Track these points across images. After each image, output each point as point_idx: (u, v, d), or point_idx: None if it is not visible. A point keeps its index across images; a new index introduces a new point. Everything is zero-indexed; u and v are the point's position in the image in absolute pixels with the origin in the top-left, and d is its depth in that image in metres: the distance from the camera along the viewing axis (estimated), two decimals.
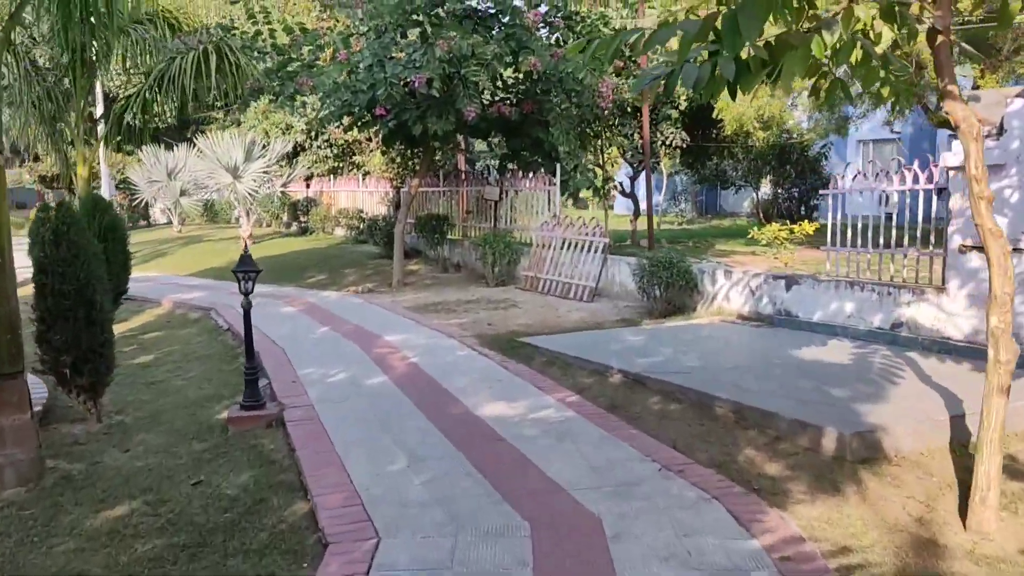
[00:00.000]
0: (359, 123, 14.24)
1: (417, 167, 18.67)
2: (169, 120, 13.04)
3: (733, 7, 3.09)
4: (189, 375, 8.83)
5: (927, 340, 7.98)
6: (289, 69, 12.93)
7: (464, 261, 16.28)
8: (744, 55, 3.41)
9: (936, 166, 8.35)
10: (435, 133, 12.99)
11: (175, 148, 25.27)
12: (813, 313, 9.19)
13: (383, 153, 15.67)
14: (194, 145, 22.72)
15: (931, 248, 8.40)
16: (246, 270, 6.87)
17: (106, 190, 22.21)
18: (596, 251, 12.50)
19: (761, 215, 23.13)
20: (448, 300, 12.88)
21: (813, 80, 4.01)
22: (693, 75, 3.51)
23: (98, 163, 22.89)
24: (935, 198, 8.33)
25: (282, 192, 22.62)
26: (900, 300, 8.35)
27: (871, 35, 3.67)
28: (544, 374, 7.75)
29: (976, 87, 14.17)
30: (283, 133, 25.91)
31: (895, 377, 6.84)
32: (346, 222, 20.71)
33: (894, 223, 8.94)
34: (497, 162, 17.71)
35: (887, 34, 3.70)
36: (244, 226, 21.70)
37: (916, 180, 8.52)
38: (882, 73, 3.86)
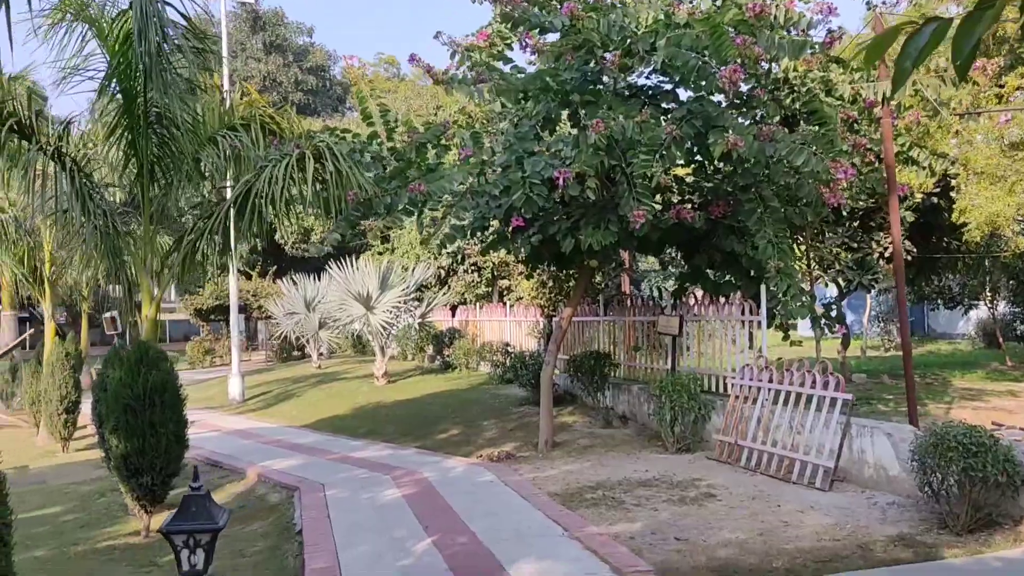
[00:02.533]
0: (493, 239, 11.15)
1: (571, 292, 15.35)
2: (253, 245, 10.49)
3: None
4: None
5: None
6: (408, 175, 10.11)
7: (632, 412, 12.54)
8: None
9: None
10: (590, 248, 9.63)
11: (320, 277, 23.48)
12: None
13: (528, 277, 12.45)
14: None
15: None
16: (192, 529, 3.53)
17: (235, 324, 20.36)
18: (832, 410, 8.45)
19: (999, 338, 18.18)
20: (612, 480, 9.13)
21: None
22: None
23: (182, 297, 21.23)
24: None
25: (421, 323, 19.93)
26: None
27: None
28: None
29: None
30: (434, 258, 23.65)
31: None
32: (490, 357, 17.56)
33: None
34: (673, 284, 14.10)
35: None
36: (378, 363, 19.02)
37: None
38: None
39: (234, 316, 20.28)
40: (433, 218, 10.95)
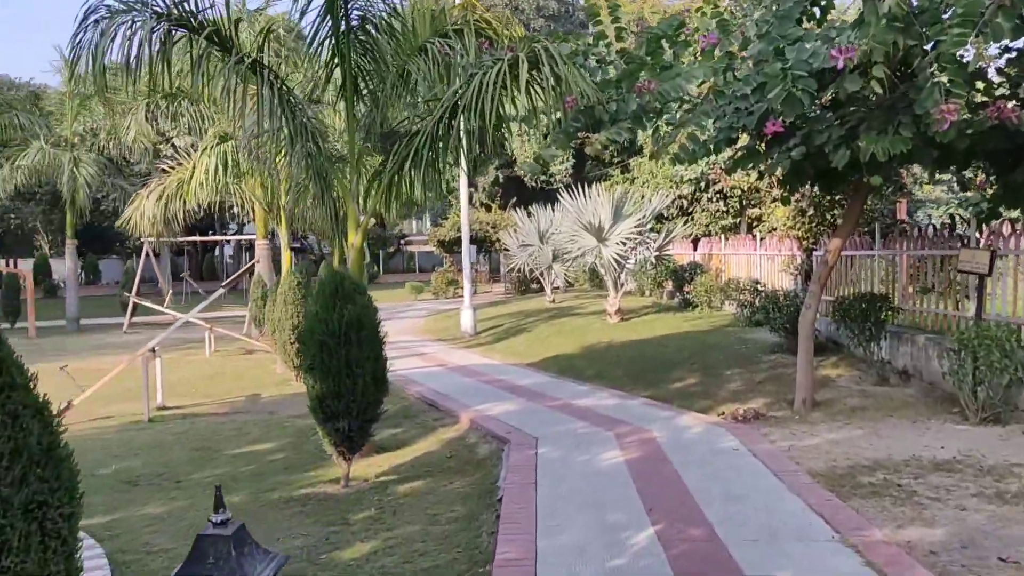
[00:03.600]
0: (741, 156, 9.18)
1: (837, 221, 12.92)
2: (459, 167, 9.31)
3: None
4: None
5: None
6: (639, 78, 8.40)
7: (915, 368, 10.15)
8: None
9: None
10: (872, 160, 7.41)
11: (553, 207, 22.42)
12: None
13: (784, 203, 10.32)
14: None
15: None
16: None
17: (466, 255, 19.82)
18: None
19: None
20: (895, 458, 7.11)
21: None
22: None
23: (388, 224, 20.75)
24: None
25: (658, 257, 18.20)
26: None
27: None
28: None
29: None
30: (675, 186, 21.71)
31: None
32: (736, 296, 15.51)
33: None
34: (970, 210, 11.29)
35: None
36: (611, 299, 17.63)
37: None
38: None
39: (465, 247, 19.75)
40: (668, 132, 9.16)
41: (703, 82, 7.64)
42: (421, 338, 19.45)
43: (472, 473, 7.74)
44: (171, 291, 26.92)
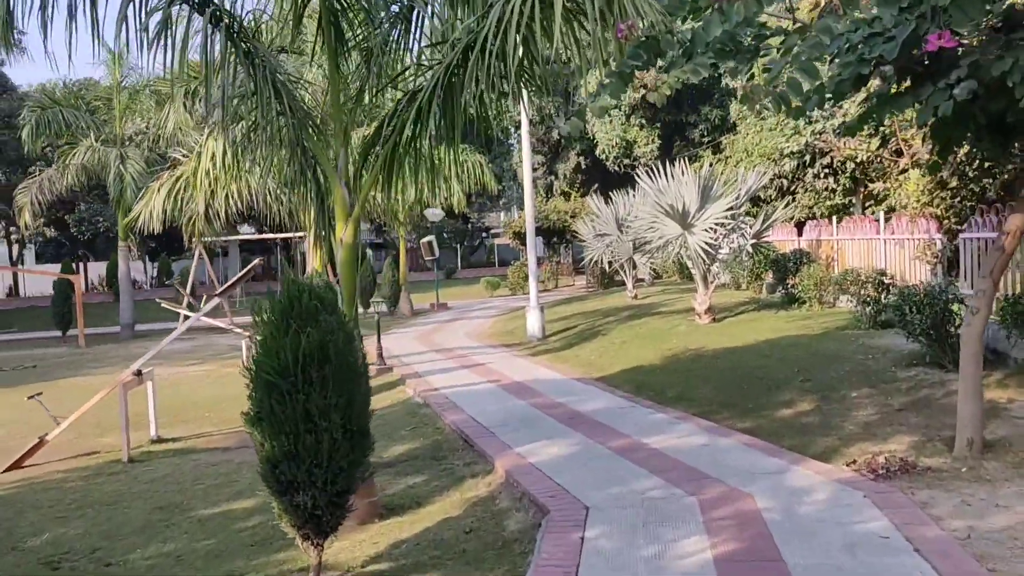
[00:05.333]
0: (874, 104, 6.50)
1: (1001, 192, 10.00)
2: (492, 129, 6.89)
3: None
4: None
5: None
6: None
7: None
8: None
9: None
10: None
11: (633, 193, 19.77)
12: None
13: (934, 169, 7.55)
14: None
15: None
16: None
17: (532, 249, 17.42)
18: None
19: None
20: None
21: None
22: None
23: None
24: None
25: (756, 245, 15.39)
26: None
27: None
28: None
29: None
30: (773, 163, 18.80)
31: None
32: (856, 290, 12.61)
33: None
34: None
35: None
36: (699, 296, 14.95)
37: None
38: None
39: (531, 240, 17.38)
40: (765, 68, 6.45)
41: None
42: (483, 343, 17.22)
43: (493, 564, 5.40)
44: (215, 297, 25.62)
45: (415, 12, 6.77)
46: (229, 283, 11.43)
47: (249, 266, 11.91)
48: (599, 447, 7.71)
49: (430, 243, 27.20)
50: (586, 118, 6.30)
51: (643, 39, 5.75)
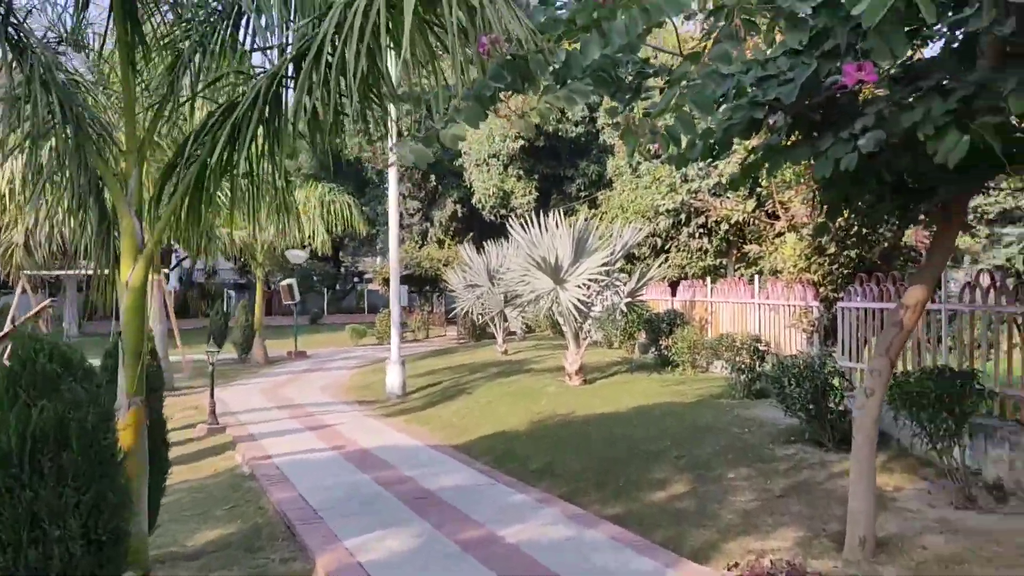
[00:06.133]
0: (768, 151, 5.78)
1: (878, 261, 9.59)
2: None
3: None
4: None
5: None
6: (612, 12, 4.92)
7: (1018, 482, 6.75)
8: None
9: None
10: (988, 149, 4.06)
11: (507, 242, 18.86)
12: None
13: (821, 231, 6.91)
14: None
15: None
16: None
17: (395, 298, 16.16)
18: None
19: None
20: None
21: None
22: None
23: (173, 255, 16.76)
24: None
25: (628, 305, 14.73)
26: None
27: None
28: None
29: None
30: (648, 221, 18.38)
31: None
32: (731, 356, 12.04)
33: None
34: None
35: None
36: (570, 355, 14.07)
37: None
38: None
39: (394, 288, 16.12)
40: (647, 112, 5.57)
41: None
42: (337, 399, 15.71)
43: None
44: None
45: (236, 9, 5.55)
46: (5, 331, 9.55)
47: (37, 307, 10.13)
48: (445, 541, 6.50)
49: (290, 286, 25.53)
50: (433, 145, 5.29)
51: (509, 58, 4.79)
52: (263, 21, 5.53)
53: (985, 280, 8.15)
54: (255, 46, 5.70)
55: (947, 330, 8.43)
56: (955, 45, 5.38)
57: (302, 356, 24.68)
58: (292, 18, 5.58)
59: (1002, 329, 7.85)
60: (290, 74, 5.30)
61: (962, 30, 5.18)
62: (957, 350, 8.24)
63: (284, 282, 25.60)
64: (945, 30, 5.29)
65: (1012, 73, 4.45)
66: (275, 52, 5.57)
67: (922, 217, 7.20)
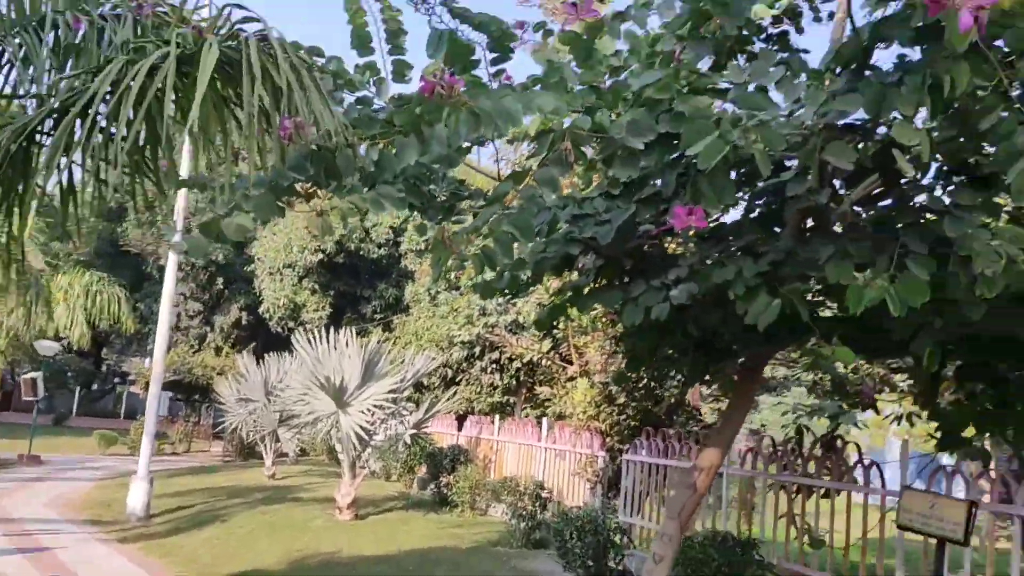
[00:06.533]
0: (575, 293, 5.55)
1: (663, 416, 9.63)
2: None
3: None
4: None
5: None
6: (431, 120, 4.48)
7: None
8: None
9: None
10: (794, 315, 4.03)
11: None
12: None
13: (620, 380, 6.72)
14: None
15: None
16: None
17: (152, 407, 14.41)
18: None
19: None
20: None
21: None
22: None
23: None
24: None
25: (413, 436, 13.99)
26: None
27: None
28: None
29: None
30: (442, 352, 17.96)
31: None
32: (512, 501, 11.53)
33: None
34: (828, 424, 8.32)
35: None
36: (344, 486, 12.97)
37: None
38: None
39: (154, 390, 14.41)
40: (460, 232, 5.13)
41: (551, 115, 3.89)
42: (66, 517, 13.46)
43: None
44: None
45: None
46: None
47: None
48: None
49: (34, 380, 22.45)
50: (212, 235, 4.50)
51: (315, 148, 4.24)
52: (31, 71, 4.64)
53: (767, 445, 8.29)
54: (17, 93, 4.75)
55: (726, 495, 8.45)
56: (753, 214, 5.49)
57: (35, 461, 21.45)
58: (62, 66, 4.74)
59: (782, 495, 7.93)
60: (47, 129, 4.44)
61: (769, 197, 5.29)
62: (736, 514, 8.23)
63: (27, 375, 22.51)
64: (748, 196, 5.40)
65: (820, 243, 4.47)
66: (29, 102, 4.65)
67: (707, 377, 7.23)
